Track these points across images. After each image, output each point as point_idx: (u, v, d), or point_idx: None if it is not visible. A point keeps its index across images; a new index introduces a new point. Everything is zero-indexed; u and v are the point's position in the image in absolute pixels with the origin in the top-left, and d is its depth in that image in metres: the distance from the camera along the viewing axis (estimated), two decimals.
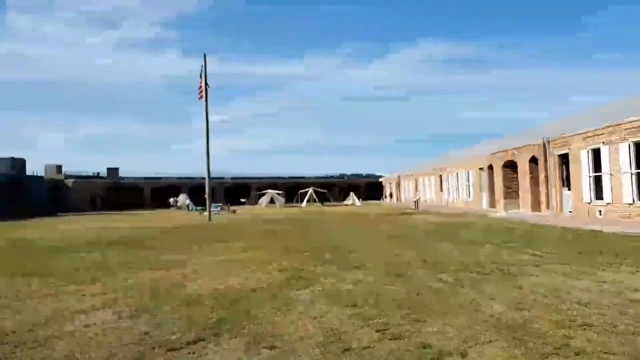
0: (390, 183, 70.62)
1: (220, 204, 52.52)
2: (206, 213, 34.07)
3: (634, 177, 19.76)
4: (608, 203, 21.35)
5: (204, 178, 35.66)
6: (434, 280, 8.24)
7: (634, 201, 19.70)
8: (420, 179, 55.11)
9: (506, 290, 7.08)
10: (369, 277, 8.63)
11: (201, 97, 33.02)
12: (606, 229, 16.33)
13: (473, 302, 6.46)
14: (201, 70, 32.82)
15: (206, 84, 32.84)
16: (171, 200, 61.68)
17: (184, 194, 60.95)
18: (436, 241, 14.42)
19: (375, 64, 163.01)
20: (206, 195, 34.29)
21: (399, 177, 65.44)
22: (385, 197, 71.39)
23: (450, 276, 8.51)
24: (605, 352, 4.40)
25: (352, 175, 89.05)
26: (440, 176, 47.82)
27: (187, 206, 56.03)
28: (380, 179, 76.81)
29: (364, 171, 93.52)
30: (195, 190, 62.23)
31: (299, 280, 8.57)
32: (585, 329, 4.97)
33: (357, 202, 60.53)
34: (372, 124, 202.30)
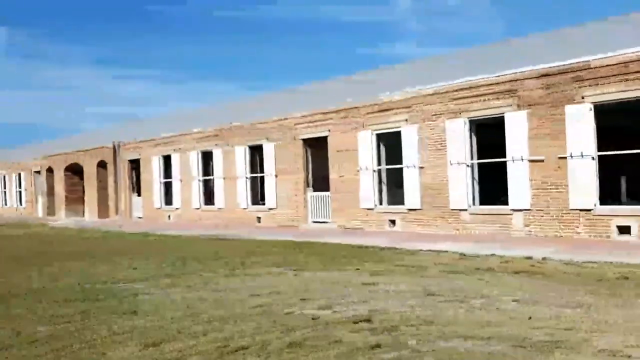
0: None
1: None
2: None
3: (201, 183, 21.59)
4: (177, 208, 22.54)
5: None
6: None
7: (200, 206, 21.50)
8: None
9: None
10: None
11: None
12: (186, 233, 16.97)
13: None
14: None
15: None
16: None
17: None
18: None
19: None
20: None
21: None
22: None
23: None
24: None
25: None
26: None
27: None
28: None
29: None
30: None
31: None
32: None
33: None
34: None
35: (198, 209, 21.56)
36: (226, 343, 4.86)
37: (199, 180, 21.60)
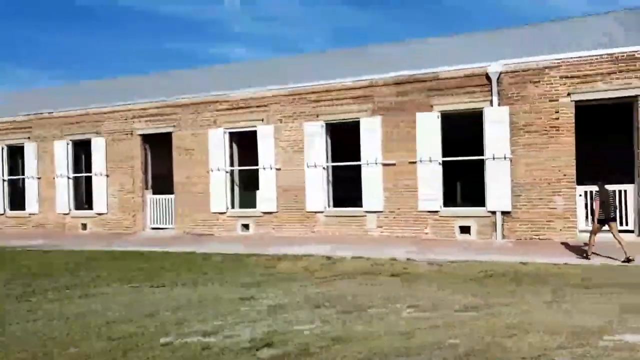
0: None
1: None
2: None
3: (6, 184, 17.97)
4: None
5: None
6: None
7: (5, 211, 17.89)
8: None
9: None
10: None
11: None
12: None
13: None
14: None
15: None
16: None
17: None
18: None
19: None
20: None
21: None
22: None
23: None
24: None
25: None
26: None
27: None
28: None
29: None
30: None
31: None
32: None
33: None
34: None
35: (2, 214, 17.89)
36: None
37: (4, 181, 17.95)
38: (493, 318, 5.35)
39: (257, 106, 13.88)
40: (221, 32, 71.56)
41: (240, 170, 14.68)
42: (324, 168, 13.15)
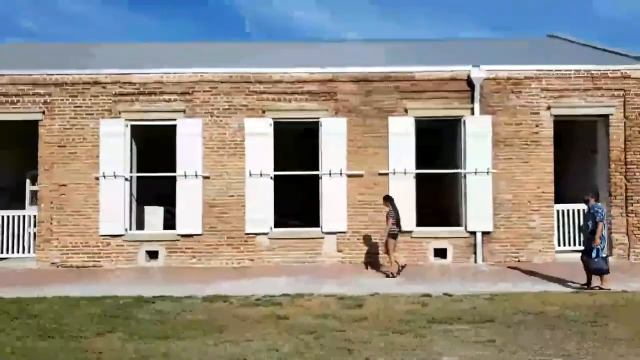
0: None
1: None
2: None
3: None
4: None
5: None
6: None
7: None
8: None
9: None
10: None
11: None
12: None
13: None
14: None
15: None
16: None
17: None
18: None
19: None
20: None
21: None
22: None
23: None
24: None
25: None
26: None
27: None
28: None
29: None
30: None
31: None
32: None
33: None
34: None
35: None
36: None
37: None
38: None
39: (177, 93, 10.87)
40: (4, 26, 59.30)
41: (139, 178, 11.26)
42: (271, 178, 10.78)
